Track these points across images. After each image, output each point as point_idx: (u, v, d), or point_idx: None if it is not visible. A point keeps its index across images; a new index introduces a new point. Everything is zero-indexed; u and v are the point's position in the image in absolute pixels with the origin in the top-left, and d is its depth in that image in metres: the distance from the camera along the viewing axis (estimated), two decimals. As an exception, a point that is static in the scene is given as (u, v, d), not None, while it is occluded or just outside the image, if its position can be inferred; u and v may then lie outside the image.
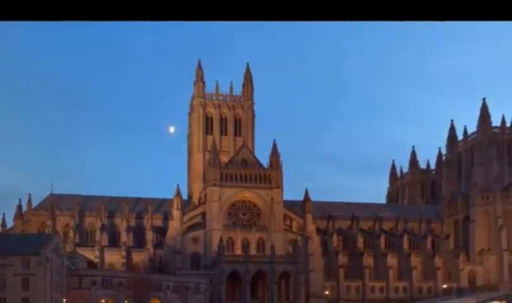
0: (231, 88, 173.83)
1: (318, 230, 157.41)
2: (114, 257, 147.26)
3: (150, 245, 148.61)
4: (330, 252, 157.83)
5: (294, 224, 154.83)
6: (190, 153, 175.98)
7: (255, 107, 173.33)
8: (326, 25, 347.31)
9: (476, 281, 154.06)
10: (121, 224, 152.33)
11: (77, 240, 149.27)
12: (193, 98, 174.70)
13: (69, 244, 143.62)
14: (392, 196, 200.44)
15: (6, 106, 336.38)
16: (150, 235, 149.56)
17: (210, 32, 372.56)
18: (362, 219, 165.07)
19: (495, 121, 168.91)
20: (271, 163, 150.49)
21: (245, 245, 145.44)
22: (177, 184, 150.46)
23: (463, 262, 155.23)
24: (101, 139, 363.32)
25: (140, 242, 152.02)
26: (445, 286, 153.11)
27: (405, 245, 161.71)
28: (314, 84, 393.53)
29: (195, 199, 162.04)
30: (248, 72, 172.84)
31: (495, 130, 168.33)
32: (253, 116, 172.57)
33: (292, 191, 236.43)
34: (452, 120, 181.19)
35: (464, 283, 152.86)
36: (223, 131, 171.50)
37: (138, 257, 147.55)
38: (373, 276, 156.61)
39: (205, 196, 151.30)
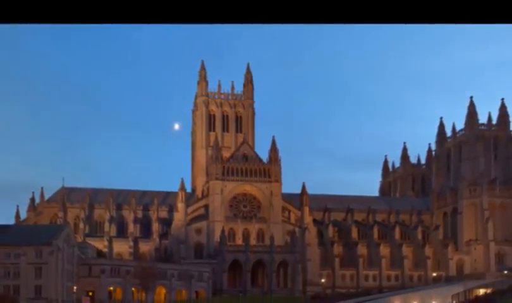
0: (232, 87, 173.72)
1: (314, 221, 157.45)
2: (121, 247, 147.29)
3: (156, 236, 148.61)
4: (326, 242, 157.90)
5: (292, 216, 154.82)
6: (194, 149, 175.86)
7: (255, 105, 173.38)
8: (322, 28, 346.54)
9: (464, 269, 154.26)
10: (129, 216, 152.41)
11: (87, 231, 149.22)
12: (196, 97, 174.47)
13: (79, 235, 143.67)
14: (385, 189, 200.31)
15: (20, 104, 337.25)
16: (156, 226, 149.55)
17: (213, 34, 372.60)
18: (356, 211, 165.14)
19: (482, 118, 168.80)
20: (270, 158, 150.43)
21: (246, 236, 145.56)
22: (182, 178, 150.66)
23: (451, 251, 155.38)
24: (110, 136, 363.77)
25: (146, 233, 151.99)
26: (434, 274, 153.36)
27: (397, 235, 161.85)
28: (311, 83, 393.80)
29: (198, 192, 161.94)
30: (248, 72, 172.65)
31: (482, 127, 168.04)
32: (253, 114, 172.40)
33: (290, 185, 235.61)
34: (441, 118, 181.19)
35: (453, 271, 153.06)
36: (225, 128, 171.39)
37: (145, 247, 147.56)
38: (366, 265, 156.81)
39: (208, 189, 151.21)
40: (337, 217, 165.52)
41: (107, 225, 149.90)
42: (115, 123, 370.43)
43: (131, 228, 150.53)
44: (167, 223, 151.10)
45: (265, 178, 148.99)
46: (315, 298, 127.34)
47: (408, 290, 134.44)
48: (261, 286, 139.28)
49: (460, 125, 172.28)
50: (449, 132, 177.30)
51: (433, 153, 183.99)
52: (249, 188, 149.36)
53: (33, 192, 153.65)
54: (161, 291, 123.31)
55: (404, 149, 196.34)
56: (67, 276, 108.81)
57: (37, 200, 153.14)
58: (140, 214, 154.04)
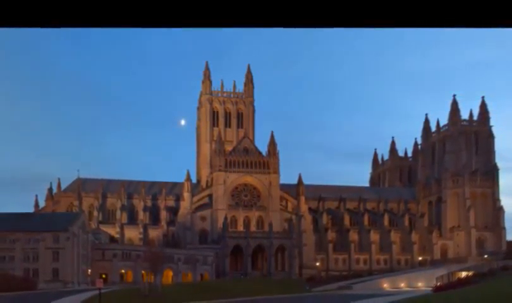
0: (234, 86, 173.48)
1: (310, 209, 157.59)
2: (132, 233, 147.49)
3: (163, 223, 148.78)
4: (320, 229, 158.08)
5: (289, 204, 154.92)
6: (198, 143, 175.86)
7: (255, 103, 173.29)
8: (317, 31, 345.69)
9: (447, 254, 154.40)
10: (139, 204, 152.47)
11: (100, 219, 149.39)
12: (201, 95, 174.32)
13: (93, 222, 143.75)
14: (375, 180, 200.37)
15: (39, 102, 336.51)
16: (163, 214, 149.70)
17: (216, 37, 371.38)
18: (348, 200, 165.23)
19: (464, 115, 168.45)
20: (269, 152, 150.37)
21: (246, 223, 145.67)
22: (187, 170, 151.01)
23: (436, 237, 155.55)
24: (122, 131, 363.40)
25: (155, 220, 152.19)
26: (420, 258, 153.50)
27: (386, 222, 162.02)
28: (307, 82, 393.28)
29: (203, 183, 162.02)
30: (249, 72, 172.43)
31: (464, 123, 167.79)
32: (254, 111, 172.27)
33: (287, 176, 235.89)
34: (426, 114, 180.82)
35: (437, 255, 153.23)
36: (227, 124, 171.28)
37: (154, 233, 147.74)
38: (358, 250, 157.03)
39: (212, 180, 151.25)
40: (331, 206, 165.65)
41: (118, 212, 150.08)
42: (126, 119, 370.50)
43: (141, 215, 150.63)
44: (174, 211, 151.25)
45: (265, 170, 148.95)
46: (310, 280, 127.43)
47: (396, 272, 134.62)
48: (260, 269, 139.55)
49: (444, 121, 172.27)
50: (433, 128, 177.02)
51: (419, 146, 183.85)
52: (249, 179, 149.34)
53: (50, 183, 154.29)
54: (168, 274, 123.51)
55: (393, 143, 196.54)
56: (82, 260, 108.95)
57: (54, 190, 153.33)
58: (149, 203, 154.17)
